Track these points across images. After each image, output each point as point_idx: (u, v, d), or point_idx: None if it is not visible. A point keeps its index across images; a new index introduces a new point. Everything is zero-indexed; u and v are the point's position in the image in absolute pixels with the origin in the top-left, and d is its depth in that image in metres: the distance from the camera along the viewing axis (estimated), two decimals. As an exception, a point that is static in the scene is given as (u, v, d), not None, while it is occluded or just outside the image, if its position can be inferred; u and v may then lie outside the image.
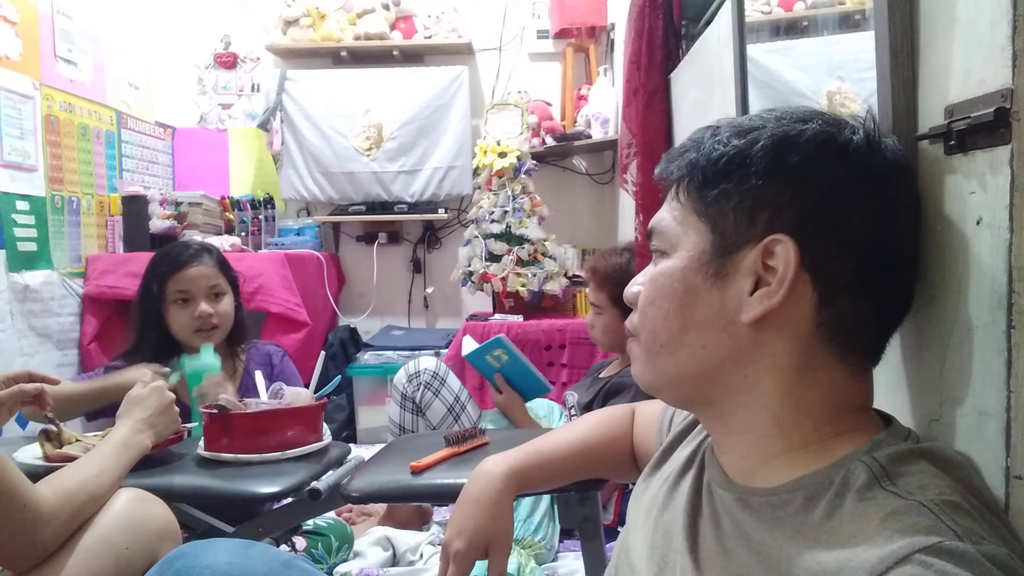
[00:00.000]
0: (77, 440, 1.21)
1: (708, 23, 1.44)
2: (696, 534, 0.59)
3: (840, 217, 0.54)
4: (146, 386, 1.22)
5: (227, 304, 1.69)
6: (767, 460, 0.57)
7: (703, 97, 1.42)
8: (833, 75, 1.13)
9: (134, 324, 1.69)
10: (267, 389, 1.40)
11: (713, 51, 1.35)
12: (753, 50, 1.23)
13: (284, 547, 1.58)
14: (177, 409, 1.25)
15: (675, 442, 0.72)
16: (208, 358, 1.54)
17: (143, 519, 0.93)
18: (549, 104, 3.30)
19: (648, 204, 1.71)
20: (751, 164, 0.55)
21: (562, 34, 3.31)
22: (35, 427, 2.34)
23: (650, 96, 1.72)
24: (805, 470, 0.54)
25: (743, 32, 1.19)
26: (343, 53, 3.34)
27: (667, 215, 0.61)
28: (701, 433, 0.69)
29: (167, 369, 1.52)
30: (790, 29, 1.30)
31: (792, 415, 0.56)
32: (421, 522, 1.93)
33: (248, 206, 3.20)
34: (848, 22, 1.21)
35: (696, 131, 0.62)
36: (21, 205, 2.44)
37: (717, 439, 0.62)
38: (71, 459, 1.13)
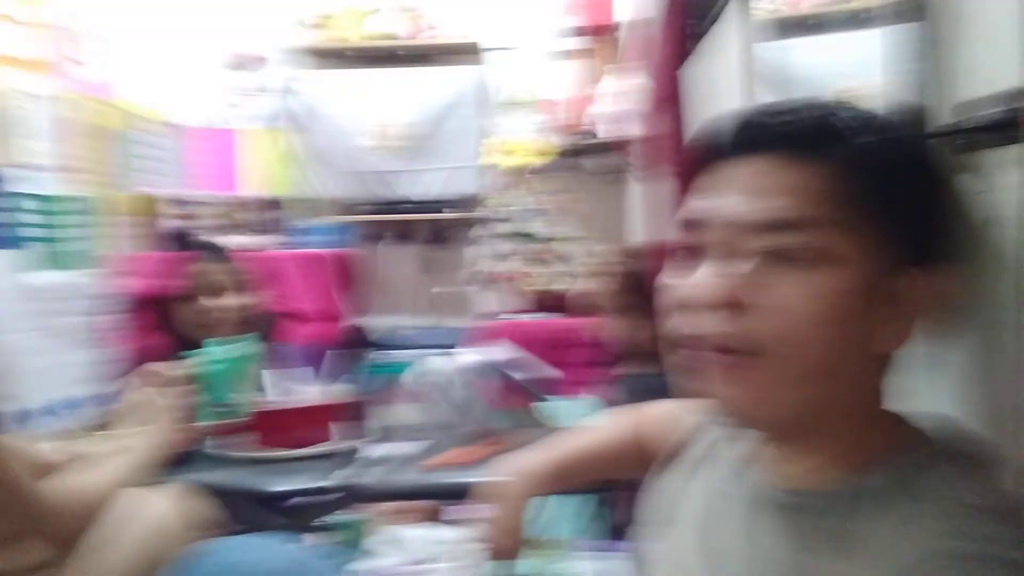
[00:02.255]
0: (101, 438, 1.23)
1: (715, 21, 1.44)
2: (749, 541, 0.58)
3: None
4: (157, 391, 1.24)
5: (231, 300, 1.70)
6: (813, 470, 0.55)
7: (709, 96, 1.42)
8: (843, 73, 1.12)
9: (148, 324, 1.72)
10: (286, 387, 1.41)
11: (719, 49, 1.35)
12: (761, 48, 1.23)
13: (303, 542, 1.59)
14: (180, 414, 1.27)
15: (720, 440, 0.70)
16: (218, 352, 1.54)
17: (184, 514, 0.96)
18: (560, 103, 3.30)
19: (664, 200, 1.70)
20: (923, 182, 0.53)
21: (573, 33, 3.31)
22: (51, 424, 2.37)
23: (672, 89, 1.70)
24: (865, 474, 0.53)
25: (750, 30, 1.19)
26: (354, 54, 3.35)
27: (808, 208, 0.51)
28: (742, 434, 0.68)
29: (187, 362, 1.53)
30: (798, 26, 1.30)
31: (857, 432, 0.55)
32: (432, 520, 1.94)
33: (260, 206, 3.22)
34: (857, 20, 1.20)
35: (821, 100, 0.55)
36: (36, 206, 2.46)
37: (786, 452, 0.58)
38: (79, 457, 1.15)
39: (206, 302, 1.65)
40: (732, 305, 0.51)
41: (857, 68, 1.12)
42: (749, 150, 0.54)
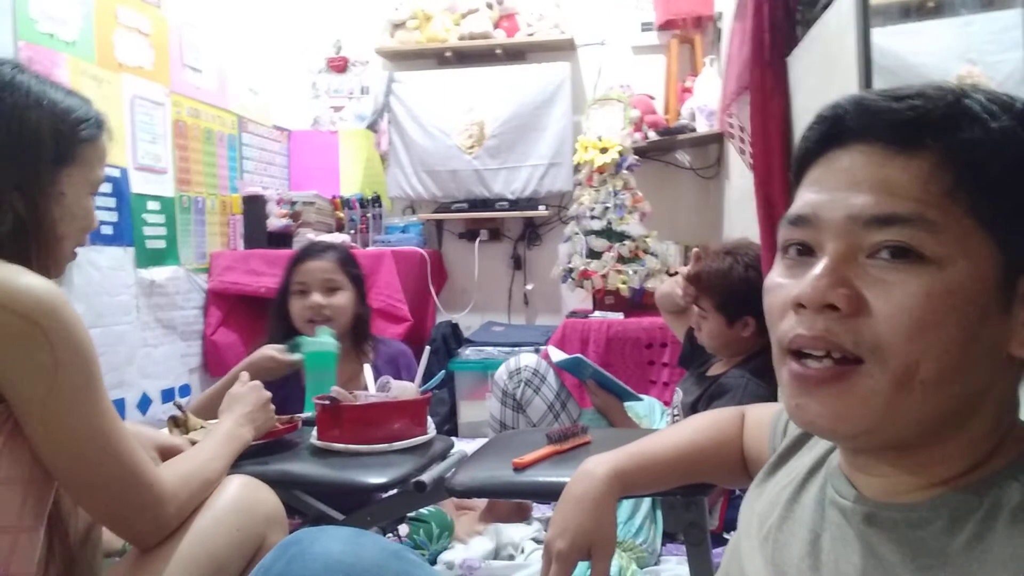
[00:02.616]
0: (201, 427, 1.29)
1: (826, 6, 1.37)
2: (818, 551, 0.55)
3: None
4: (244, 385, 1.30)
5: (342, 299, 1.75)
6: (921, 487, 0.51)
7: (821, 85, 1.35)
8: (963, 58, 1.05)
9: (256, 318, 1.80)
10: (381, 382, 1.44)
11: (832, 35, 1.28)
12: (874, 34, 1.17)
13: (389, 535, 1.62)
14: (273, 407, 1.31)
15: (793, 447, 0.68)
16: (324, 339, 1.60)
17: (253, 504, 0.98)
18: (652, 98, 3.24)
19: (768, 195, 1.63)
20: None
21: (667, 25, 3.24)
22: (155, 412, 2.52)
23: (776, 78, 1.63)
24: (950, 487, 0.50)
25: (867, 15, 1.12)
26: (448, 53, 3.40)
27: (933, 201, 0.47)
28: (822, 440, 0.65)
29: (286, 349, 1.61)
30: (917, 10, 1.23)
31: (980, 445, 0.50)
32: (521, 517, 1.94)
33: (357, 204, 3.32)
34: (984, 0, 1.12)
35: (932, 86, 0.50)
36: (152, 205, 2.62)
37: (866, 462, 0.54)
38: (189, 442, 1.20)
39: (313, 298, 1.71)
40: (849, 306, 0.48)
41: (981, 52, 1.04)
42: (867, 137, 0.50)
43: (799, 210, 0.53)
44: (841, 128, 0.52)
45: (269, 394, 1.31)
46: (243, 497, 0.98)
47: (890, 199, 0.48)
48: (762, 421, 0.82)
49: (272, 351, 1.60)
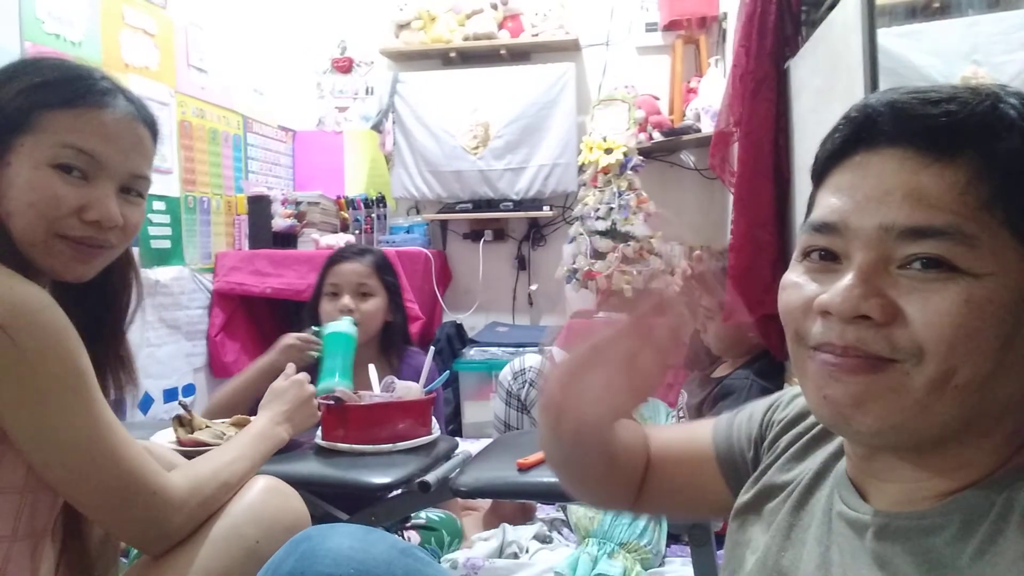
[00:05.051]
0: (207, 426, 1.29)
1: (832, 7, 1.37)
2: (828, 564, 0.54)
3: None
4: (288, 379, 1.25)
5: (372, 305, 1.74)
6: (938, 494, 0.50)
7: (825, 86, 1.34)
8: (968, 59, 1.06)
9: (262, 319, 1.80)
10: (386, 382, 1.44)
11: (837, 36, 1.28)
12: (880, 34, 1.16)
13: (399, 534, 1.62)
14: (316, 402, 1.27)
15: (790, 452, 0.67)
16: (345, 325, 1.59)
17: (276, 512, 0.91)
18: (657, 98, 3.23)
19: (747, 198, 1.64)
20: None
21: (671, 26, 3.24)
22: (156, 412, 2.53)
23: (757, 84, 1.65)
24: (960, 488, 0.49)
25: (873, 15, 1.12)
26: (452, 54, 3.40)
27: (955, 218, 0.46)
28: (824, 444, 0.63)
29: (312, 336, 1.61)
30: (922, 11, 1.23)
31: (1002, 451, 0.49)
32: (525, 518, 1.94)
33: (362, 205, 3.32)
34: (990, 1, 1.13)
35: (964, 89, 0.48)
36: (158, 205, 2.62)
37: (884, 466, 0.53)
38: (201, 444, 1.20)
39: (344, 300, 1.71)
40: (884, 316, 0.47)
41: (986, 53, 1.04)
42: (900, 142, 0.48)
43: (825, 216, 0.51)
44: (872, 131, 0.50)
45: (313, 389, 1.27)
46: (266, 504, 0.91)
47: (925, 210, 0.46)
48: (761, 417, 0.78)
49: (292, 335, 1.59)
